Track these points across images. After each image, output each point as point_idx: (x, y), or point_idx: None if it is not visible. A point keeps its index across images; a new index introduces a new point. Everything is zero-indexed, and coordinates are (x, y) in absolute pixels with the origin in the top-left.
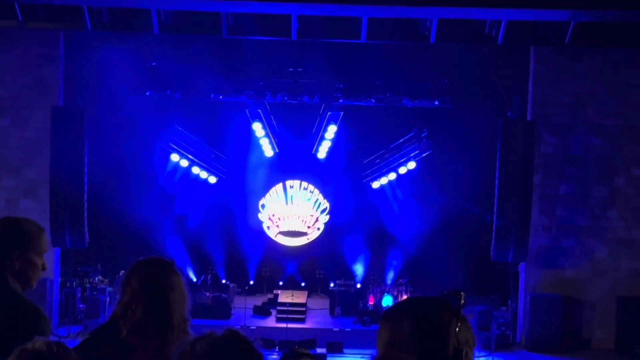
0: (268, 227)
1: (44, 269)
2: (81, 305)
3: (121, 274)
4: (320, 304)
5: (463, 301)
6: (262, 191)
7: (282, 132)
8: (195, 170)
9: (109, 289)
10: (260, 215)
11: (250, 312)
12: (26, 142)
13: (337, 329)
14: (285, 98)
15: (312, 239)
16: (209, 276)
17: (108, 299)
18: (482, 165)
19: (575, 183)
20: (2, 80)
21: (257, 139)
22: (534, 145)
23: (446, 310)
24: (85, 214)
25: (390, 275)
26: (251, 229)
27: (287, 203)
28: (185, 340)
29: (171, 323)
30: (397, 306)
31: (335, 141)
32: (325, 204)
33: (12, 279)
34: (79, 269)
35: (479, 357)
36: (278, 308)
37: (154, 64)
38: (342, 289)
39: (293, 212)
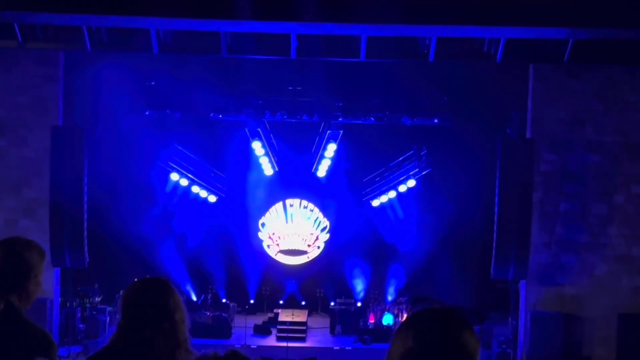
0: (268, 246)
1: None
2: (81, 325)
3: (121, 293)
4: (320, 322)
5: (484, 325)
6: (262, 210)
7: (282, 151)
8: (195, 189)
9: (109, 308)
10: (260, 234)
11: (251, 331)
12: (25, 161)
13: (338, 348)
14: (285, 116)
15: (312, 257)
16: (209, 295)
17: (108, 319)
18: (481, 183)
19: (574, 200)
20: (2, 100)
21: (256, 158)
22: (533, 163)
23: (473, 333)
24: (85, 233)
25: (391, 294)
26: (251, 248)
27: (287, 222)
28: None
29: (179, 342)
30: (425, 316)
31: (335, 159)
32: (326, 223)
33: (19, 304)
34: (78, 288)
35: None
36: (278, 327)
37: (153, 83)
38: (343, 307)
39: (293, 231)
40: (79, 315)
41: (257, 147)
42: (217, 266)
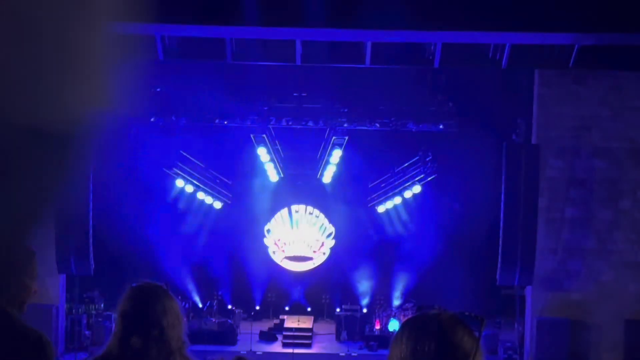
0: (274, 252)
1: (35, 292)
2: (87, 332)
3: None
4: (326, 328)
5: (482, 327)
6: (268, 216)
7: (287, 157)
8: (201, 195)
9: (115, 315)
10: (265, 240)
11: (257, 337)
12: None
13: (344, 354)
14: (290, 123)
15: (318, 263)
16: (215, 302)
17: (113, 326)
18: (487, 189)
19: (580, 206)
20: None
21: (262, 164)
22: (539, 169)
23: (470, 335)
24: (91, 240)
25: (397, 300)
26: (257, 254)
27: (292, 228)
28: None
29: (171, 349)
30: (422, 320)
31: (341, 165)
32: (331, 229)
33: (10, 307)
34: (84, 295)
35: None
36: (284, 333)
37: (158, 89)
38: (349, 313)
39: (298, 237)
40: (85, 322)
41: (263, 153)
42: (222, 272)
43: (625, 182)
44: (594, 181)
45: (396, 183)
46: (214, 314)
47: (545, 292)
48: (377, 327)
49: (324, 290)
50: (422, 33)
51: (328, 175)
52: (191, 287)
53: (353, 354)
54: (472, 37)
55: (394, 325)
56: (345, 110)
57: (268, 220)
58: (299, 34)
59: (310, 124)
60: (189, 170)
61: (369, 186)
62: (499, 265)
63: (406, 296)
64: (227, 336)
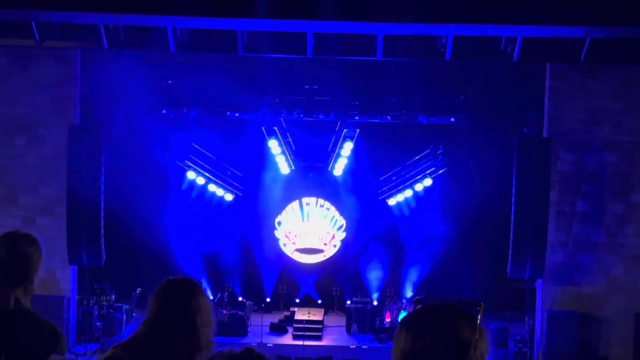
0: (284, 244)
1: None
2: (98, 323)
3: (138, 291)
4: (336, 321)
5: (481, 313)
6: (279, 208)
7: (298, 149)
8: (212, 187)
9: (126, 307)
10: (276, 233)
11: (267, 329)
12: (43, 160)
13: (354, 346)
14: (301, 115)
15: (329, 256)
16: (226, 293)
17: (125, 317)
18: (498, 182)
19: (591, 200)
20: (19, 99)
21: (273, 156)
22: (550, 162)
23: (469, 322)
24: (102, 231)
25: (407, 292)
26: (267, 247)
27: (303, 220)
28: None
29: (199, 345)
30: (419, 314)
31: (352, 158)
32: (342, 221)
33: (24, 299)
34: (95, 286)
35: None
36: (295, 325)
37: (170, 81)
38: (359, 306)
39: (309, 229)
40: (96, 313)
41: (274, 145)
42: (233, 264)
43: (636, 175)
44: (604, 175)
45: (407, 176)
46: (225, 306)
47: (555, 285)
48: (388, 319)
49: (334, 282)
50: (434, 26)
51: (339, 168)
52: (202, 278)
53: (363, 347)
54: (483, 30)
55: None
56: (357, 103)
57: (279, 212)
58: (310, 27)
59: (322, 116)
60: (200, 162)
61: (380, 179)
62: (509, 258)
63: (417, 289)
64: (237, 328)
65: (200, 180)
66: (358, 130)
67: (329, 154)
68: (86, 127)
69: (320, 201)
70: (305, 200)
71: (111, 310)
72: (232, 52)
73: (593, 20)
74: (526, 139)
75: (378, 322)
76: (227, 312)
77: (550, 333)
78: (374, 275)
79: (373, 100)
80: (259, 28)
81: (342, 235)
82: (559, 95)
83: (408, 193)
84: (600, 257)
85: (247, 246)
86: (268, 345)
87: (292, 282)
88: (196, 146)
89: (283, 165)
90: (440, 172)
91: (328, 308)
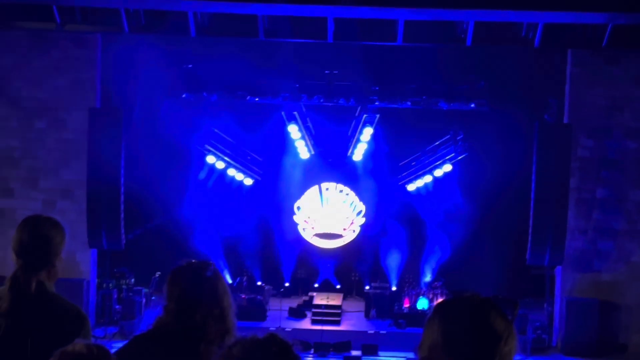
0: (304, 229)
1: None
2: (117, 307)
3: (157, 275)
4: (355, 306)
5: (516, 310)
6: (298, 193)
7: (318, 134)
8: (231, 172)
9: (145, 290)
10: (295, 218)
11: (286, 314)
12: (64, 143)
13: (372, 332)
14: (321, 100)
15: (348, 241)
16: (245, 278)
17: (144, 301)
18: (518, 168)
19: (612, 186)
20: (40, 82)
21: (292, 141)
22: (571, 149)
23: (502, 317)
24: (122, 215)
25: (426, 278)
26: (287, 231)
27: (322, 205)
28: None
29: (228, 328)
30: (453, 303)
31: (371, 143)
32: (361, 207)
33: (48, 282)
34: (115, 270)
35: None
36: (313, 310)
37: (190, 66)
38: (378, 291)
39: (329, 214)
40: (115, 296)
41: (294, 130)
42: (252, 249)
43: None
44: (625, 162)
45: (427, 162)
46: (244, 290)
47: (575, 272)
48: (406, 305)
49: (353, 267)
50: (455, 11)
51: (359, 153)
52: (221, 263)
53: (382, 332)
54: (504, 15)
55: (422, 304)
56: (377, 88)
57: (298, 197)
58: (330, 12)
59: (342, 101)
60: (220, 146)
61: (400, 164)
62: (529, 244)
63: (435, 275)
64: (256, 312)
65: (220, 165)
66: (378, 116)
67: (348, 140)
68: (106, 110)
69: (340, 186)
70: (324, 185)
71: (130, 294)
72: (253, 36)
73: (615, 6)
74: (546, 125)
75: (396, 307)
76: (246, 297)
77: (569, 320)
78: (393, 261)
79: (393, 85)
80: (279, 13)
81: (361, 220)
82: (580, 82)
83: (428, 179)
84: (620, 244)
85: (267, 231)
86: (286, 329)
87: (311, 267)
88: (216, 130)
89: (303, 150)
90: (460, 158)
91: (347, 293)
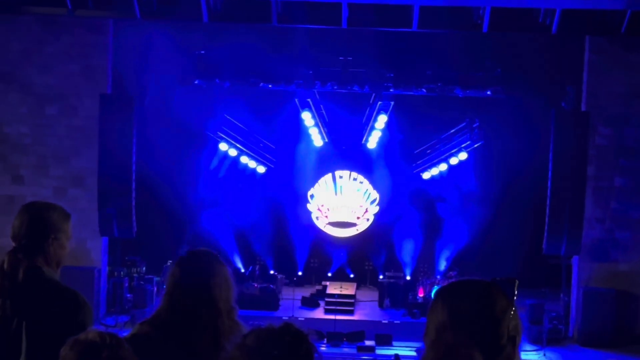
0: (317, 218)
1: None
2: (128, 295)
3: (169, 263)
4: (369, 295)
5: (516, 288)
6: (311, 181)
7: (332, 122)
8: (244, 159)
9: (157, 278)
10: (309, 206)
11: (299, 303)
12: (75, 130)
13: (386, 321)
14: (335, 87)
15: (362, 230)
16: (257, 267)
17: (155, 289)
18: (534, 156)
19: (629, 175)
20: (51, 69)
21: (306, 128)
22: (588, 137)
23: (503, 297)
24: (134, 203)
25: (441, 267)
26: (299, 220)
27: (336, 194)
28: (240, 332)
29: (219, 309)
30: (455, 287)
31: (386, 131)
32: (375, 195)
33: (47, 267)
34: (126, 258)
35: (530, 350)
36: (326, 299)
37: (202, 52)
38: (392, 280)
39: (342, 203)
40: (127, 285)
41: (307, 117)
42: (265, 238)
43: None
44: None
45: (442, 149)
46: (256, 279)
47: (591, 262)
48: (421, 294)
49: (367, 257)
50: None
51: (373, 141)
52: (234, 252)
53: (396, 322)
54: (522, 1)
55: None
56: (392, 75)
57: (312, 185)
58: None
59: (356, 88)
60: (232, 133)
61: (415, 152)
62: (545, 234)
63: (450, 264)
64: (269, 302)
65: (233, 152)
66: (392, 103)
67: (363, 127)
68: (118, 97)
69: (354, 174)
70: (338, 173)
71: (142, 282)
72: (266, 22)
73: None
74: (564, 113)
75: (411, 297)
76: (259, 286)
77: (585, 310)
78: (407, 250)
79: (408, 72)
80: None
81: (375, 209)
82: (598, 69)
83: (443, 167)
84: (638, 234)
85: (279, 219)
86: (299, 319)
87: (324, 256)
88: (229, 117)
89: (316, 137)
90: (476, 145)
91: (360, 282)
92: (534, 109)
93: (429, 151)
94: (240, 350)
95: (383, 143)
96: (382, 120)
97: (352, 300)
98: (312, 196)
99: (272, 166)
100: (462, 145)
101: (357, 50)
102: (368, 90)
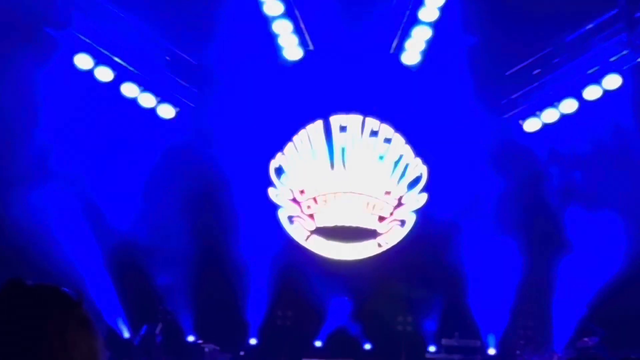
0: (290, 219)
1: None
2: None
3: None
4: None
5: None
6: (278, 139)
7: (323, 11)
8: (129, 89)
9: None
10: (273, 193)
11: None
12: None
13: None
14: None
15: (390, 245)
16: (159, 327)
17: None
18: None
19: None
20: None
21: (269, 22)
22: None
23: None
24: None
25: (564, 332)
26: (252, 223)
27: (332, 165)
28: None
29: None
30: None
31: (440, 28)
32: (420, 169)
33: None
34: None
35: None
36: None
37: None
38: (455, 357)
39: (346, 185)
40: None
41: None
42: (174, 264)
43: None
44: None
45: (566, 68)
46: (156, 354)
47: None
48: None
49: (401, 305)
50: None
51: (414, 50)
52: (106, 295)
53: None
54: None
55: None
56: None
57: (278, 148)
58: None
59: None
60: (105, 36)
61: (506, 74)
62: None
63: (585, 324)
64: None
65: (105, 74)
66: None
67: (388, 21)
68: None
69: (372, 122)
70: (336, 119)
71: None
72: None
73: None
74: None
75: None
76: None
77: None
78: (491, 293)
79: None
80: None
81: (420, 198)
82: None
83: (569, 107)
84: None
85: (205, 223)
86: None
87: (305, 303)
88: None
89: (290, 41)
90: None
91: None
92: None
93: (537, 72)
94: None
95: (435, 54)
96: (433, 4)
97: None
98: (279, 171)
99: (192, 105)
100: (610, 59)
101: None
102: None
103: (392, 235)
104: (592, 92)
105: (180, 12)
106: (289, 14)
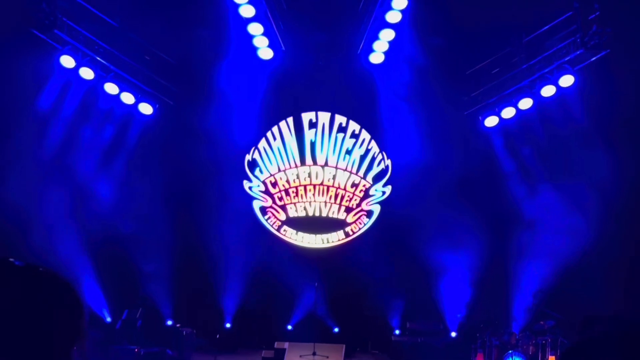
0: (263, 210)
1: None
2: None
3: None
4: None
5: None
6: (252, 135)
7: (295, 14)
8: (111, 87)
9: None
10: (247, 186)
11: None
12: None
13: None
14: None
15: (356, 233)
16: (139, 312)
17: None
18: None
19: None
20: None
21: (243, 24)
22: None
23: None
24: None
25: (520, 315)
26: (227, 215)
27: (303, 160)
28: None
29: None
30: (598, 346)
31: (403, 29)
32: (385, 162)
33: None
34: None
35: None
36: None
37: None
38: (419, 340)
39: (316, 178)
40: None
41: (248, 11)
42: (154, 253)
43: None
44: None
45: (524, 68)
46: (137, 337)
47: None
48: None
49: (367, 290)
50: None
51: (379, 50)
52: (89, 282)
53: None
54: None
55: None
56: None
57: (253, 143)
58: None
59: None
60: (88, 35)
61: (467, 73)
62: None
63: (539, 308)
64: None
65: (86, 73)
66: None
67: (357, 22)
68: None
69: (340, 119)
70: (308, 116)
71: None
72: None
73: None
74: None
75: None
76: (143, 350)
77: None
78: (451, 278)
79: None
80: None
81: (384, 190)
82: None
83: (525, 104)
84: None
85: (183, 213)
86: None
87: (277, 290)
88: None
89: (261, 42)
90: (594, 59)
91: (353, 344)
92: None
93: (495, 71)
94: None
95: (400, 54)
96: (399, 5)
97: None
98: (252, 164)
99: (171, 102)
100: (565, 59)
101: None
102: None
103: (359, 225)
104: (547, 90)
105: (159, 14)
106: (259, 17)
